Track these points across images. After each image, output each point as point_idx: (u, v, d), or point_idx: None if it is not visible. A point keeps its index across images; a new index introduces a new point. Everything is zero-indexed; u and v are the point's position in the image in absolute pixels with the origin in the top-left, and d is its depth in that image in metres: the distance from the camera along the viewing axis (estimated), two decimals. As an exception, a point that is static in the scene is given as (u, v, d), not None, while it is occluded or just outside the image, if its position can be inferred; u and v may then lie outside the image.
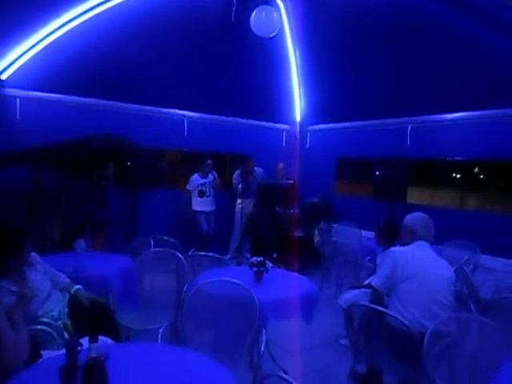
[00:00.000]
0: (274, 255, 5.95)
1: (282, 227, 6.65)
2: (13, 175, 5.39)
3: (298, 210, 6.95)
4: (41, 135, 5.21)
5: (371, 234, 5.89)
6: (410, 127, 6.54)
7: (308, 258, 6.43)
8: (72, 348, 1.64)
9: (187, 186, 7.05)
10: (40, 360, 2.08)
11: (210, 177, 7.13)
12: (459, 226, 5.42)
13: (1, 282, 2.30)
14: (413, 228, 3.03)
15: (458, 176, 6.46)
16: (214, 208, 7.23)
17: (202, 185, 7.07)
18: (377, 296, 2.89)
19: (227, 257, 7.09)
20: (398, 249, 3.00)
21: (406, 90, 6.35)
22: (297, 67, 8.10)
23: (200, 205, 7.07)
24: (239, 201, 7.35)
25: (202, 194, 7.07)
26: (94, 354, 1.35)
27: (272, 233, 6.44)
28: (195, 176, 7.07)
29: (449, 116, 6.06)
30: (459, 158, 6.04)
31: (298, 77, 8.21)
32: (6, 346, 1.76)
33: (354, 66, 6.94)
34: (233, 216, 7.46)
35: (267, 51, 7.38)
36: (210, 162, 7.11)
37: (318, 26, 6.93)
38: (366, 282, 3.67)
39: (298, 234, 6.68)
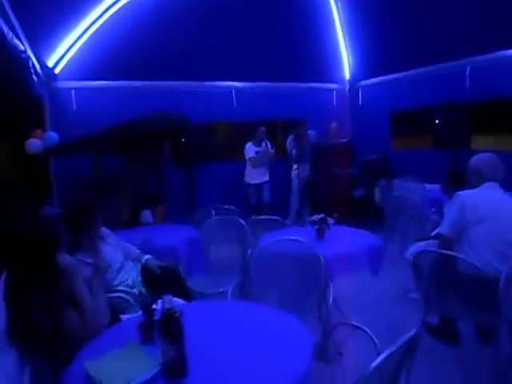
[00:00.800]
0: (336, 216, 5.87)
1: (340, 188, 6.54)
2: (77, 163, 5.71)
3: (355, 168, 6.79)
4: (97, 122, 5.38)
5: (435, 187, 5.66)
6: (468, 69, 6.10)
7: (370, 217, 6.28)
8: (148, 306, 1.74)
9: (246, 156, 6.88)
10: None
11: (263, 145, 6.88)
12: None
13: (77, 254, 2.46)
14: (479, 169, 2.84)
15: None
16: (266, 179, 6.99)
17: (257, 153, 6.84)
18: (446, 243, 2.75)
19: (288, 222, 7.08)
20: (464, 192, 2.82)
21: (460, 30, 5.89)
22: (340, 21, 7.78)
23: (252, 176, 6.91)
24: (295, 166, 7.26)
25: (255, 163, 6.86)
26: (168, 306, 1.41)
27: (331, 194, 6.34)
28: (249, 144, 6.89)
29: (510, 51, 5.57)
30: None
31: (343, 31, 7.89)
32: (88, 311, 1.89)
33: (401, 11, 6.53)
34: (290, 183, 7.40)
35: (309, 8, 7.15)
36: (263, 129, 6.86)
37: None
38: (434, 233, 3.54)
39: (357, 193, 6.55)
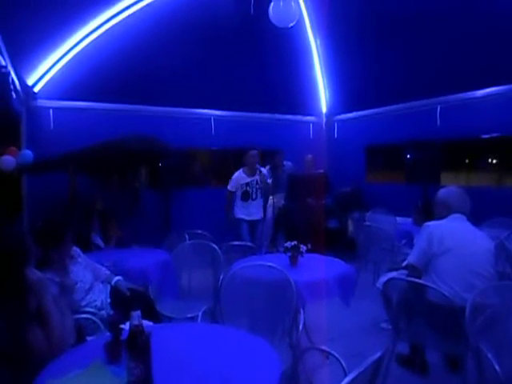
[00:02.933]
0: (309, 246, 5.91)
1: (314, 218, 6.61)
2: (51, 182, 5.63)
3: (329, 200, 6.89)
4: (74, 143, 5.36)
5: (406, 220, 5.81)
6: (439, 108, 6.39)
7: (343, 248, 6.36)
8: (115, 324, 1.71)
9: (228, 187, 5.66)
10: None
11: (259, 174, 5.58)
12: (497, 205, 5.25)
13: (45, 273, 2.40)
14: (447, 201, 2.94)
15: (494, 154, 6.25)
16: (261, 216, 5.85)
17: (247, 184, 5.59)
18: (414, 272, 2.82)
19: (262, 249, 7.06)
20: (432, 223, 2.90)
21: (432, 71, 6.21)
22: (319, 57, 8.08)
23: (243, 211, 5.65)
24: (270, 196, 7.32)
25: (246, 196, 5.59)
26: (136, 322, 1.39)
27: (305, 224, 6.40)
28: (239, 173, 5.64)
29: (479, 92, 5.88)
30: (495, 135, 5.83)
31: (321, 67, 8.18)
32: (54, 328, 1.84)
33: (377, 51, 6.84)
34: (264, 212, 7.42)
35: (288, 43, 7.39)
36: (254, 152, 5.55)
37: (336, 13, 6.86)
38: (404, 264, 3.61)
39: (331, 224, 6.63)
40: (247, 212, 5.63)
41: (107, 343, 1.67)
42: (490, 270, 2.68)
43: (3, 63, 4.25)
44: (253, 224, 5.72)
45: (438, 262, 2.72)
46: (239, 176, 5.61)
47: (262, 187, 5.66)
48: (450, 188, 3.04)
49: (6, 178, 5.52)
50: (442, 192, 3.04)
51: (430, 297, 2.62)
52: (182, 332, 2.04)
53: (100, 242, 4.77)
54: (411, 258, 2.87)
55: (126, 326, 1.71)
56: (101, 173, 5.79)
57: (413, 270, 2.84)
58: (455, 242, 2.71)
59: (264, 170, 5.65)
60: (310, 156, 7.66)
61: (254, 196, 5.62)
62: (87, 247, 4.16)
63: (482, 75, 5.62)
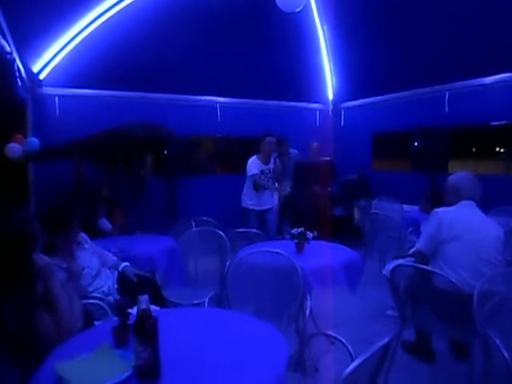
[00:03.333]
0: (315, 234, 5.90)
1: (320, 206, 6.59)
2: (57, 169, 5.64)
3: (336, 187, 6.86)
4: (80, 130, 5.36)
5: (412, 208, 5.78)
6: (447, 94, 6.30)
7: (349, 236, 6.34)
8: (123, 308, 1.71)
9: (249, 173, 5.29)
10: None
11: (274, 162, 5.31)
12: (505, 193, 5.20)
13: (52, 259, 2.41)
14: (457, 187, 2.91)
15: (503, 142, 6.17)
16: (271, 205, 5.50)
17: (262, 172, 5.26)
18: (422, 258, 2.81)
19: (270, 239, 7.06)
20: (441, 209, 2.88)
21: (441, 57, 6.11)
22: (326, 44, 7.97)
23: (254, 200, 5.30)
24: (276, 184, 7.29)
25: (258, 185, 5.28)
26: (144, 306, 1.39)
27: (311, 212, 6.37)
28: (253, 159, 5.29)
29: (489, 79, 5.79)
30: (504, 122, 5.76)
31: (328, 53, 8.08)
32: (62, 313, 1.85)
33: (385, 37, 6.74)
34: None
35: (295, 30, 7.30)
36: (271, 139, 5.23)
37: (344, -1, 6.77)
38: (411, 251, 3.59)
39: (337, 211, 6.61)
40: (258, 202, 5.30)
41: (115, 327, 1.68)
42: (498, 257, 2.67)
43: (8, 49, 4.24)
44: (262, 213, 5.38)
45: (446, 248, 2.71)
46: (254, 162, 5.26)
47: (273, 177, 5.35)
48: (460, 174, 3.00)
49: (12, 165, 5.54)
50: (452, 178, 3.00)
51: (437, 283, 2.61)
52: (189, 317, 2.05)
53: (107, 225, 4.77)
54: (419, 244, 2.86)
55: (134, 311, 1.72)
56: (106, 160, 5.79)
57: (420, 256, 2.84)
58: (464, 229, 2.69)
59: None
60: (316, 143, 7.62)
61: (266, 185, 5.31)
62: (94, 234, 4.18)
63: (492, 61, 5.53)
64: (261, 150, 5.30)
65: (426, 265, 2.77)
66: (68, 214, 2.71)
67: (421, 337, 3.14)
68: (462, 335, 2.57)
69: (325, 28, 7.76)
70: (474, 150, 6.73)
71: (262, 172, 5.24)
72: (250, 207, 5.30)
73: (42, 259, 1.89)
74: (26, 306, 1.73)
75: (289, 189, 7.04)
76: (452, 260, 2.66)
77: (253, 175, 5.21)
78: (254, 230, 4.06)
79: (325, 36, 7.89)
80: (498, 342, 2.02)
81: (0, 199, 4.69)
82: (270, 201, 5.46)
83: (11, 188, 5.67)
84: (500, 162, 6.30)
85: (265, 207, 5.37)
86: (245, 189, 5.34)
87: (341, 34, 7.60)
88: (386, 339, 1.40)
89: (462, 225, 2.71)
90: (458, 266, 2.63)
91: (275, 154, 5.27)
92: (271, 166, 5.28)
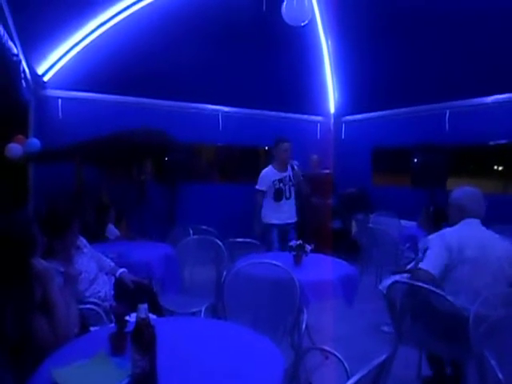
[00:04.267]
0: (312, 246, 5.90)
1: (318, 218, 6.59)
2: (58, 172, 5.65)
3: (334, 200, 6.87)
4: (82, 133, 5.37)
5: (410, 224, 5.79)
6: (448, 112, 6.36)
7: (346, 249, 6.35)
8: (120, 315, 1.71)
9: (257, 186, 4.78)
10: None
11: (292, 169, 4.74)
12: (502, 212, 5.21)
13: (50, 262, 2.40)
14: (462, 204, 2.72)
15: (501, 161, 6.22)
16: (294, 219, 4.91)
17: (280, 181, 4.73)
18: (429, 280, 2.55)
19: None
20: (448, 231, 2.72)
21: (442, 75, 6.18)
22: (329, 57, 8.04)
23: (275, 214, 4.74)
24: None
25: (279, 194, 4.72)
26: (143, 315, 1.39)
27: (310, 223, 6.37)
28: (268, 169, 4.79)
29: (490, 99, 5.85)
30: (503, 142, 5.80)
31: (331, 67, 8.15)
32: (60, 318, 1.84)
33: (388, 53, 6.81)
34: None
35: (299, 42, 7.37)
36: (287, 145, 4.74)
37: (349, 14, 6.84)
38: (408, 267, 3.58)
39: (335, 224, 6.61)
40: (278, 215, 4.73)
41: (112, 335, 1.67)
42: (503, 281, 2.54)
43: (15, 51, 4.26)
44: (283, 229, 4.77)
45: (453, 272, 2.57)
46: (269, 172, 4.76)
47: (295, 184, 4.81)
48: (465, 189, 2.80)
49: (12, 166, 5.53)
50: (457, 193, 2.81)
51: (434, 302, 2.59)
52: (185, 326, 2.04)
53: (114, 232, 4.79)
54: (425, 265, 2.61)
55: (131, 318, 1.72)
56: (107, 164, 5.80)
57: (428, 277, 2.57)
58: (474, 252, 2.55)
59: (296, 164, 4.73)
60: (316, 156, 7.66)
61: (287, 194, 4.77)
62: (93, 238, 4.18)
63: (493, 81, 5.59)
64: (275, 157, 4.82)
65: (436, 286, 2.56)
66: (67, 216, 2.70)
67: (433, 365, 3.04)
68: (457, 354, 2.55)
69: (329, 42, 7.84)
70: (472, 167, 6.77)
71: (281, 181, 4.73)
72: (271, 221, 4.73)
73: (40, 264, 1.89)
74: (24, 309, 1.73)
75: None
76: (458, 284, 2.55)
77: (273, 182, 4.70)
78: (251, 240, 4.03)
79: (329, 49, 7.97)
80: (493, 363, 2.02)
81: (0, 200, 4.68)
82: (292, 214, 4.88)
83: (11, 189, 5.66)
84: (498, 181, 6.33)
85: (286, 221, 4.79)
86: (264, 204, 4.78)
87: (345, 48, 7.68)
88: (383, 356, 1.40)
89: (472, 248, 2.55)
90: (462, 291, 2.52)
91: (292, 161, 4.73)
92: (289, 173, 4.75)
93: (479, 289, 2.49)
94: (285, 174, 4.74)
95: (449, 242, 2.59)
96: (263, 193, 4.72)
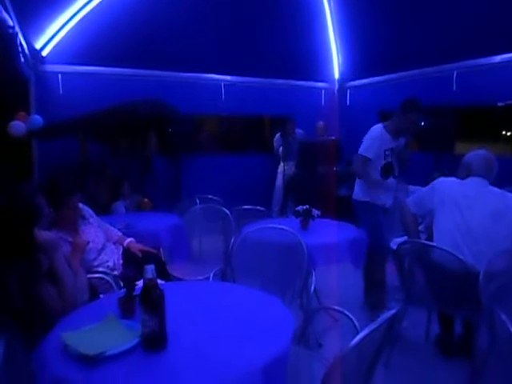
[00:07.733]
0: (319, 213, 5.89)
1: (325, 185, 6.54)
2: (61, 147, 5.63)
3: (341, 167, 6.81)
4: (83, 108, 5.30)
5: (417, 189, 5.73)
6: (455, 73, 6.19)
7: (353, 215, 6.32)
8: (129, 279, 1.71)
9: (361, 151, 3.68)
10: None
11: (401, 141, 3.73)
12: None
13: (57, 232, 2.41)
14: (469, 163, 2.80)
15: (510, 123, 6.09)
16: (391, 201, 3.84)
17: (392, 150, 3.68)
18: (404, 212, 2.95)
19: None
20: (444, 178, 2.91)
21: (449, 34, 5.97)
22: (332, 21, 7.80)
23: (380, 191, 3.71)
24: (281, 164, 7.26)
25: (388, 170, 3.69)
26: (150, 276, 1.39)
27: (316, 191, 6.33)
28: (379, 133, 3.73)
29: (498, 57, 5.67)
30: (511, 102, 5.66)
31: (335, 31, 7.91)
32: (67, 287, 1.86)
33: (392, 14, 6.58)
34: (275, 180, 7.38)
35: (301, 6, 7.15)
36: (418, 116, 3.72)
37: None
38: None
39: (342, 191, 6.56)
40: (384, 193, 3.72)
41: (121, 298, 1.68)
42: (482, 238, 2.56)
43: (11, 23, 4.16)
44: (385, 211, 3.83)
45: (436, 217, 2.75)
46: (381, 136, 3.64)
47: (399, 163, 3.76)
48: (478, 151, 2.87)
49: (16, 143, 5.51)
50: (468, 154, 2.91)
51: (438, 258, 2.58)
52: (194, 290, 2.05)
53: (121, 209, 4.83)
54: (408, 201, 2.98)
55: (139, 284, 1.72)
56: (110, 137, 5.76)
57: (407, 212, 2.95)
58: (458, 200, 2.65)
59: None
60: (321, 123, 7.56)
61: (395, 171, 3.77)
62: (100, 210, 4.21)
63: (501, 40, 5.40)
64: (395, 121, 3.78)
65: (412, 221, 2.95)
66: (67, 185, 2.68)
67: (443, 324, 3.04)
68: (467, 311, 2.56)
69: (331, 4, 7.60)
70: (481, 130, 6.65)
71: (392, 150, 3.66)
72: (376, 200, 3.70)
73: (45, 234, 1.89)
74: (31, 279, 1.73)
75: (294, 168, 7.02)
76: (442, 232, 2.68)
77: (385, 152, 3.61)
78: (258, 208, 4.02)
79: (331, 13, 7.72)
80: (503, 317, 2.01)
81: (4, 175, 4.68)
82: (390, 193, 3.82)
83: (15, 166, 5.66)
84: (507, 145, 6.22)
85: (388, 201, 3.81)
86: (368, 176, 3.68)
87: (348, 10, 7.44)
88: (392, 311, 1.39)
89: (456, 195, 2.67)
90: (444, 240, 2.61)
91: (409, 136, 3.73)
92: (397, 144, 3.71)
93: (458, 241, 2.58)
94: (397, 144, 3.71)
95: (436, 184, 2.82)
96: (368, 160, 3.59)
